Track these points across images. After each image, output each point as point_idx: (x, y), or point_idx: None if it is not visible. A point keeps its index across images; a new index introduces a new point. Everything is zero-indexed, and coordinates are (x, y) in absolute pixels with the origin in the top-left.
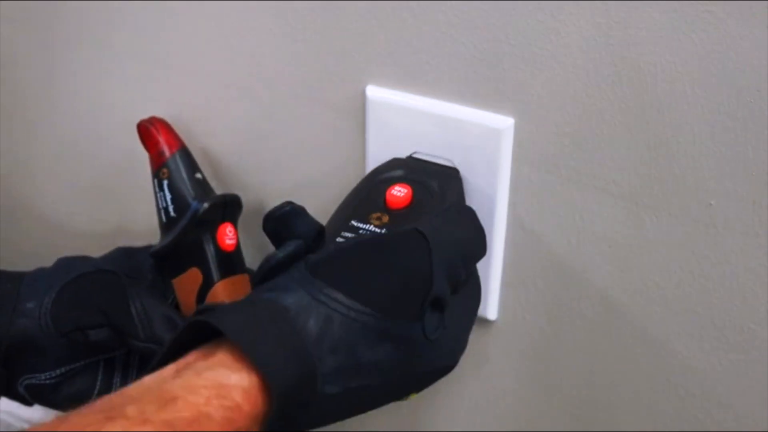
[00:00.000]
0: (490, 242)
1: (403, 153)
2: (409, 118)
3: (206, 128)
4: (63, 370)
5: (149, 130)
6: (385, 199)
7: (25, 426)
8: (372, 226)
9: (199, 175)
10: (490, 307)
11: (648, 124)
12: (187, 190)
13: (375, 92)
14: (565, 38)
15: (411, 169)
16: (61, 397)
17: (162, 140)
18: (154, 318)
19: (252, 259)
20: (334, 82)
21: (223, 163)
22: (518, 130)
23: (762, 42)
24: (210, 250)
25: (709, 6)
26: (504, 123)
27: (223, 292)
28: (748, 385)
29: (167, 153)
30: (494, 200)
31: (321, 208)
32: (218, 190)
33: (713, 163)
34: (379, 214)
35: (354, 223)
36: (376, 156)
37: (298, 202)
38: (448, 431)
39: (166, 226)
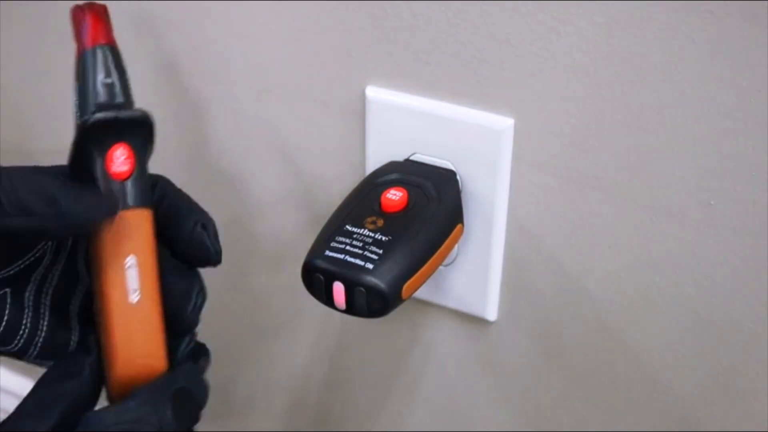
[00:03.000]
0: (489, 243)
1: (402, 153)
2: (409, 119)
3: (203, 128)
4: None
5: (76, 17)
6: (380, 203)
7: None
8: (367, 230)
9: (109, 80)
10: (490, 307)
11: (648, 124)
12: (93, 96)
13: (375, 92)
14: (565, 38)
15: (407, 172)
16: None
17: (86, 31)
18: (20, 184)
19: (250, 260)
20: (333, 82)
21: (220, 163)
22: (518, 130)
23: (762, 42)
24: (98, 177)
25: (709, 6)
26: (503, 123)
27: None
28: (748, 385)
29: (86, 47)
30: (494, 200)
31: (320, 209)
32: (216, 190)
33: (713, 163)
34: (374, 218)
35: (349, 227)
36: (376, 156)
37: (297, 202)
38: (447, 431)
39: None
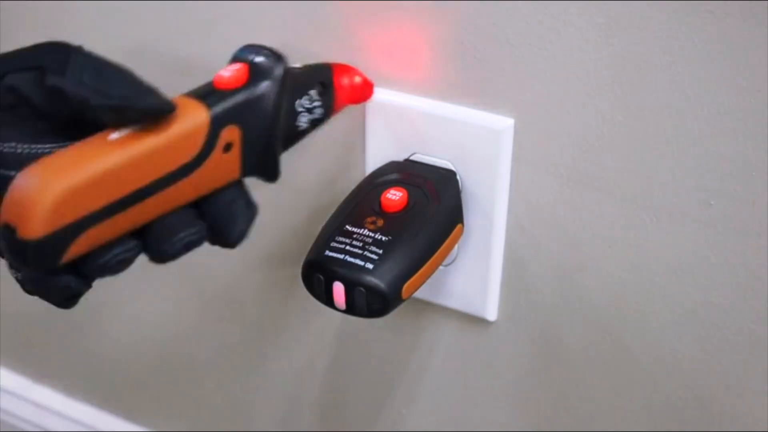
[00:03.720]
0: (489, 243)
1: (403, 153)
2: (409, 119)
3: None
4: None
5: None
6: (380, 203)
7: (26, 426)
8: (367, 230)
9: (309, 103)
10: (490, 307)
11: (648, 124)
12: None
13: (375, 92)
14: (565, 38)
15: (407, 172)
16: None
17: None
18: (106, 74)
19: (250, 260)
20: None
21: None
22: (518, 130)
23: (762, 42)
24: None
25: (709, 6)
26: (503, 123)
27: None
28: (748, 385)
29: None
30: (494, 200)
31: (320, 209)
32: None
33: (713, 163)
34: (374, 218)
35: (349, 227)
36: (376, 156)
37: (298, 203)
38: (447, 431)
39: None
